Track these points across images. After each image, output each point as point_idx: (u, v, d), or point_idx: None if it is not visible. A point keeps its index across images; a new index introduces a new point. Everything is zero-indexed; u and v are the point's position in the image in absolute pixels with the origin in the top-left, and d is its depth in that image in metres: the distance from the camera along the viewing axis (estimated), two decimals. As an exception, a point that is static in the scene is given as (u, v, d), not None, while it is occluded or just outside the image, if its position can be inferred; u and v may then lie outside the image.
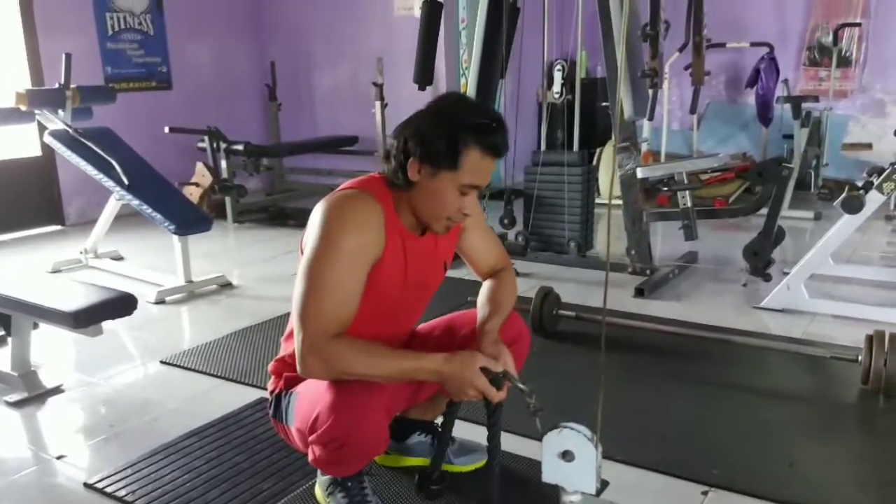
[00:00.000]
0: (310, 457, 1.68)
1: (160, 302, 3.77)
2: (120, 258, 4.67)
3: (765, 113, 6.06)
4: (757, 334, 3.05)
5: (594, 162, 5.60)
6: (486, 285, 1.89)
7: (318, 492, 1.90)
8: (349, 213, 1.59)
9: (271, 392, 1.81)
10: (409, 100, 5.89)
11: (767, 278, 3.56)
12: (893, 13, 6.11)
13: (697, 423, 2.38)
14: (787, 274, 3.49)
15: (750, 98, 6.37)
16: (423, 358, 1.57)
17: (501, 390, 1.56)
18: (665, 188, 3.81)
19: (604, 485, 1.96)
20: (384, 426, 1.62)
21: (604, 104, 4.47)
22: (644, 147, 5.34)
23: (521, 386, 1.54)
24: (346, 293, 1.55)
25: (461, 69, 6.59)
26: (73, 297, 2.54)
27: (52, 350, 3.11)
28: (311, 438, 1.62)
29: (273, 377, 1.82)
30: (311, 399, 1.63)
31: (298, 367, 1.54)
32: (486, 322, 1.74)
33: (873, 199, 3.11)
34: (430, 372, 1.56)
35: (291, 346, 1.63)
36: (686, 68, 5.24)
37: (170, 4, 6.29)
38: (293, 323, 1.58)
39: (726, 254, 4.36)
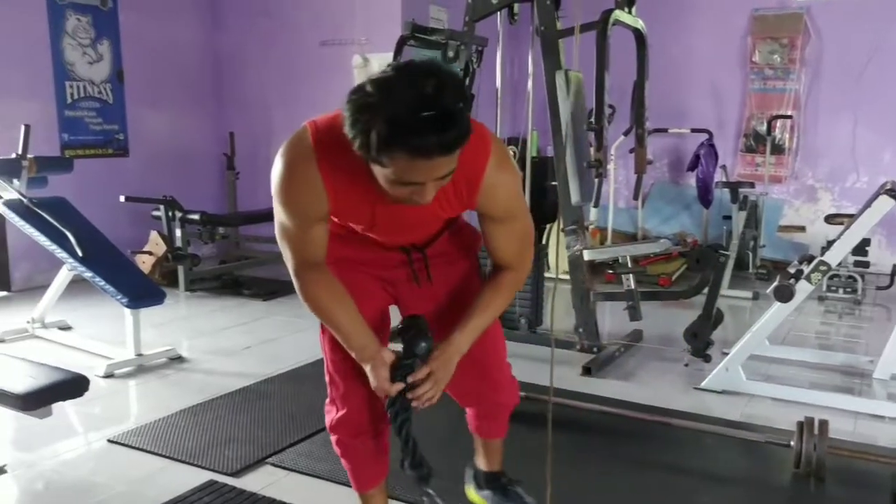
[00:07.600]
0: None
1: (109, 376, 3.73)
2: (68, 328, 4.60)
3: (705, 195, 6.35)
4: (696, 416, 3.17)
5: (544, 240, 5.78)
6: (485, 284, 1.75)
7: None
8: (287, 182, 1.52)
9: None
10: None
11: (707, 359, 3.70)
12: (819, 108, 6.57)
13: (639, 507, 2.46)
14: (726, 354, 3.64)
15: (692, 180, 6.68)
16: (363, 348, 1.65)
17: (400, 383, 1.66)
18: (610, 270, 3.97)
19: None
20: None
21: (553, 183, 4.65)
22: (591, 227, 5.54)
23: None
24: (304, 241, 1.57)
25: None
26: (22, 376, 2.50)
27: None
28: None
29: None
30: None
31: None
32: (458, 328, 1.67)
33: (802, 289, 3.30)
34: (360, 360, 1.68)
35: None
36: (631, 151, 5.51)
37: (130, 74, 6.37)
38: None
39: (670, 332, 4.51)
